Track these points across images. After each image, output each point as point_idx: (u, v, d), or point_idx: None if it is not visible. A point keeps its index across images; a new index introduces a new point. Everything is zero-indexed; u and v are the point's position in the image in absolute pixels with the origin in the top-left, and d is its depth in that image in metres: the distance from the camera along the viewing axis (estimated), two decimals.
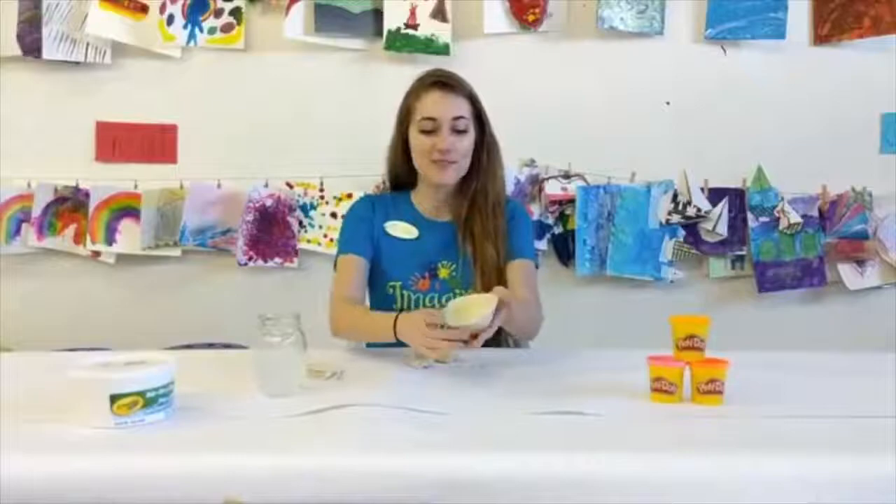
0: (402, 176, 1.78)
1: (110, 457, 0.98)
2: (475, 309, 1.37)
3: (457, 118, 1.67)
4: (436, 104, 1.67)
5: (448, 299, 1.69)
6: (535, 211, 2.57)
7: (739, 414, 1.17)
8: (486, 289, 1.63)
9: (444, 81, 1.69)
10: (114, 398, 1.06)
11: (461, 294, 1.69)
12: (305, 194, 2.60)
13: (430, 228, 1.76)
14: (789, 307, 2.62)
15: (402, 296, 1.72)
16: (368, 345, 1.80)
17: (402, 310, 1.71)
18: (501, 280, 1.71)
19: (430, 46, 2.52)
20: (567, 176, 2.59)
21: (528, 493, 0.94)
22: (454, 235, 1.74)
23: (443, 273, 1.73)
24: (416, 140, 1.70)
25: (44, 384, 1.23)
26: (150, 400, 1.09)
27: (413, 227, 1.75)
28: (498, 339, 1.72)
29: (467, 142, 1.69)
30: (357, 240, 1.74)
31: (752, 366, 1.35)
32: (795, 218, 2.55)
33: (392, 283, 1.72)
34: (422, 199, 1.78)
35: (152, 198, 2.56)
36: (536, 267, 1.80)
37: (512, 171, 2.54)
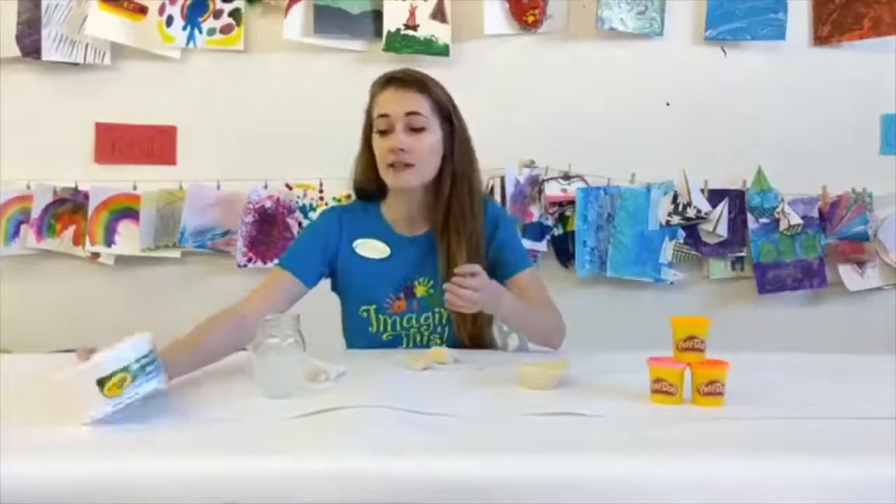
0: (370, 186, 1.65)
1: (109, 458, 0.97)
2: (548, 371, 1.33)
3: (410, 114, 1.54)
4: (388, 101, 1.57)
5: (427, 318, 1.62)
6: (535, 212, 2.57)
7: (740, 415, 1.17)
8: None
9: (398, 77, 1.59)
10: (101, 381, 1.05)
11: (440, 313, 1.61)
12: (305, 196, 2.59)
13: (401, 244, 1.63)
14: (789, 308, 2.61)
15: (377, 319, 1.61)
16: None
17: (377, 333, 1.63)
18: None
19: (429, 47, 2.52)
20: (567, 177, 2.58)
21: (528, 495, 0.93)
22: (430, 248, 1.61)
23: (420, 291, 1.62)
24: (375, 143, 1.58)
25: (42, 386, 1.23)
26: (136, 372, 1.08)
27: (384, 245, 1.62)
28: (482, 342, 1.64)
29: (427, 142, 1.56)
30: (304, 258, 1.61)
31: (753, 367, 1.35)
32: (795, 219, 2.55)
33: (365, 307, 1.61)
34: (392, 211, 1.65)
35: (151, 199, 2.56)
36: (532, 264, 1.70)
37: (512, 173, 2.54)
